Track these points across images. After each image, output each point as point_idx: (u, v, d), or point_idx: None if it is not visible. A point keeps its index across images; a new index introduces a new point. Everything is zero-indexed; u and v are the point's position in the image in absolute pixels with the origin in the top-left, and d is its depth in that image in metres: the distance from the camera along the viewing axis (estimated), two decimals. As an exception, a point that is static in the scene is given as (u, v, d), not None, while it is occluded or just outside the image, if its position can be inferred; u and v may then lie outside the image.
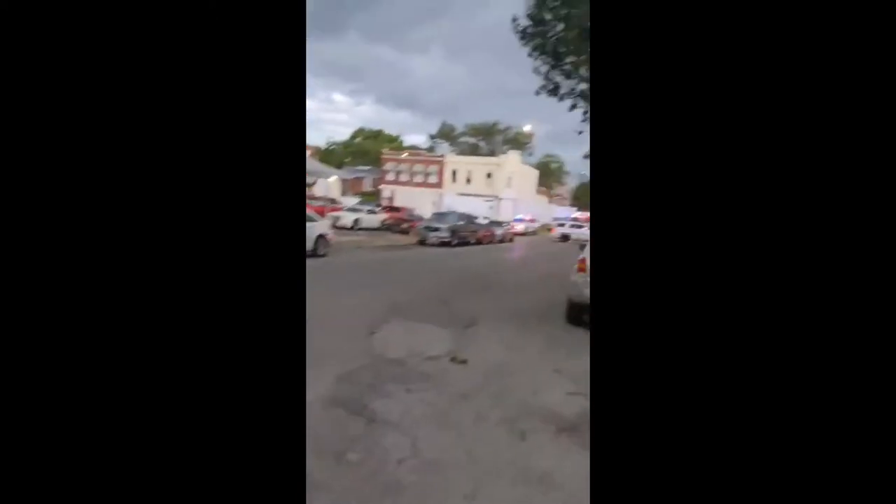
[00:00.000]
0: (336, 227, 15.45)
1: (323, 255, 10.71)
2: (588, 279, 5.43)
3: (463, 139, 51.31)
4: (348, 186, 36.15)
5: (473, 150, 47.91)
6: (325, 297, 6.02)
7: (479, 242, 19.03)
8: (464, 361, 3.95)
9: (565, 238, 28.05)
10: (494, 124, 49.56)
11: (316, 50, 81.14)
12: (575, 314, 5.80)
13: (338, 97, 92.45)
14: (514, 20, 7.35)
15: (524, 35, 7.36)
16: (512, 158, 38.06)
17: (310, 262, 9.73)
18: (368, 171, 43.08)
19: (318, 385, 3.07)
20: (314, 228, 10.76)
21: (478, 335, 4.93)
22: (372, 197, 36.53)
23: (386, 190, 39.54)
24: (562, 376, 3.86)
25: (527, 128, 42.12)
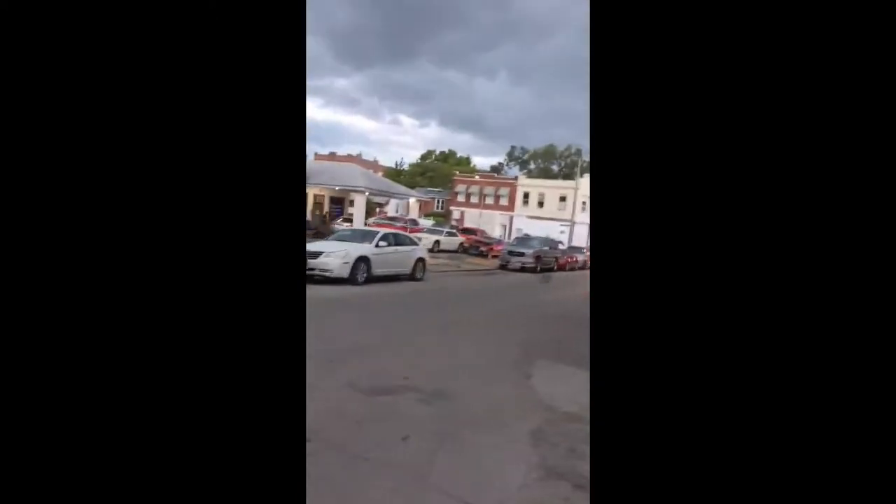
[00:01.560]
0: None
1: (420, 279, 10.60)
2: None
3: (533, 164, 50.92)
4: (419, 207, 36.64)
5: (545, 174, 47.30)
6: (455, 333, 5.80)
7: (560, 269, 18.39)
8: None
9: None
10: (567, 148, 48.88)
11: (385, 75, 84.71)
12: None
13: (403, 119, 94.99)
14: None
15: None
16: (587, 183, 37.09)
17: (412, 287, 9.67)
18: (439, 192, 43.53)
19: (521, 450, 2.74)
20: (415, 252, 10.71)
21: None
22: (441, 218, 36.76)
23: (455, 211, 39.74)
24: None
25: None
